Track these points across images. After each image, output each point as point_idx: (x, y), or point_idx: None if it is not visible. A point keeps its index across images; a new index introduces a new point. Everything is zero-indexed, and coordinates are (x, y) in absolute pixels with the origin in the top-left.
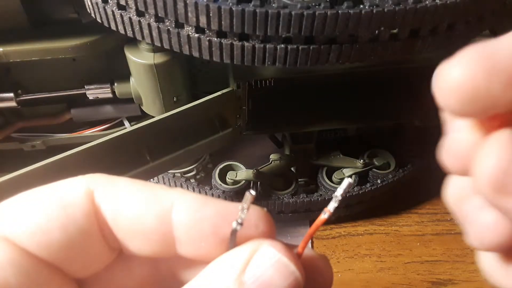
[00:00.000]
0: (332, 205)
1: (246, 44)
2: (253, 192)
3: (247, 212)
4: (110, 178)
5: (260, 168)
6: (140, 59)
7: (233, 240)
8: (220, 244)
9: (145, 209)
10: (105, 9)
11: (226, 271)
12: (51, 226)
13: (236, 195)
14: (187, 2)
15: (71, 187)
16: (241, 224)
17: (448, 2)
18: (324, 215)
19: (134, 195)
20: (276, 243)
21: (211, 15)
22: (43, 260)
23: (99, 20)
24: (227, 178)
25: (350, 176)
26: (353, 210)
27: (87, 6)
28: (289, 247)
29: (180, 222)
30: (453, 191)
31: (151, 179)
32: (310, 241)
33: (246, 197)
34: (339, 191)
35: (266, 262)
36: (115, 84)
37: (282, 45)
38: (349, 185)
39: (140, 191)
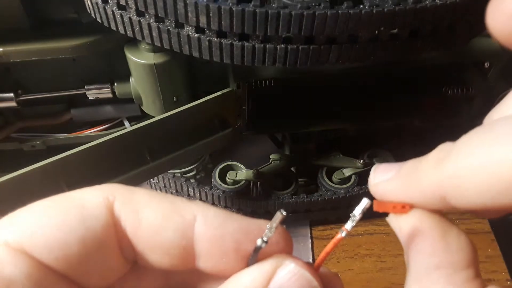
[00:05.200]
0: (349, 224)
1: (246, 44)
2: (284, 212)
3: (274, 231)
4: (128, 189)
5: (260, 168)
6: (140, 59)
7: (255, 256)
8: (241, 260)
9: (166, 222)
10: (105, 9)
11: (250, 284)
12: (70, 239)
13: (236, 195)
14: (187, 2)
15: (90, 198)
16: (266, 242)
17: (448, 2)
18: (341, 234)
19: (155, 208)
20: (297, 259)
21: (211, 15)
22: (60, 273)
23: (99, 20)
24: (227, 178)
25: (350, 176)
26: (353, 210)
27: (87, 6)
28: (308, 264)
29: (202, 236)
30: None
31: (152, 179)
32: (311, 242)
33: (276, 216)
34: (357, 211)
35: (290, 277)
36: (115, 84)
37: (282, 45)
38: (368, 204)
39: (160, 203)
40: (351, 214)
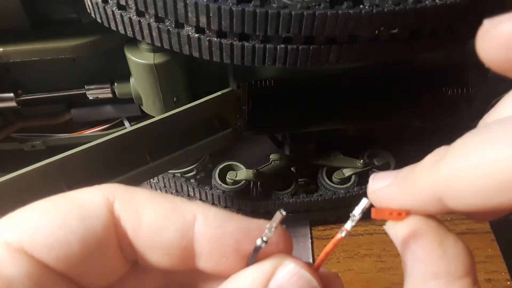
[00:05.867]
0: (349, 224)
1: (246, 44)
2: (283, 212)
3: (274, 231)
4: (128, 189)
5: (260, 168)
6: (140, 59)
7: (255, 256)
8: (241, 260)
9: (166, 222)
10: (105, 9)
11: (249, 284)
12: (70, 239)
13: (236, 195)
14: (187, 2)
15: (90, 197)
16: (266, 242)
17: (448, 2)
18: (341, 234)
19: (155, 208)
20: (297, 259)
21: (211, 15)
22: (60, 273)
23: (99, 20)
24: (227, 178)
25: (350, 176)
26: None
27: (87, 6)
28: (308, 264)
29: (202, 237)
30: None
31: (152, 179)
32: (311, 243)
33: (276, 216)
34: (357, 211)
35: (290, 277)
36: (115, 84)
37: (282, 45)
38: (367, 204)
39: (160, 203)
40: (351, 214)
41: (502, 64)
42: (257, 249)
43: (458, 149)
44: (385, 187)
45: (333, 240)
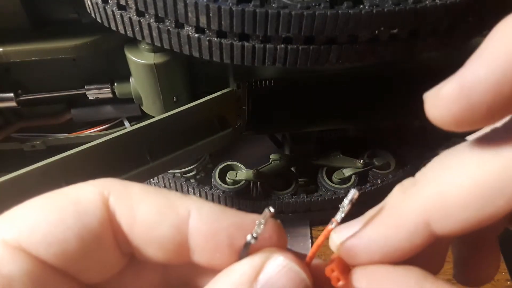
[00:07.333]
0: (339, 216)
1: (246, 44)
2: (272, 209)
3: (263, 228)
4: (123, 183)
5: (260, 168)
6: (140, 59)
7: (246, 251)
8: (235, 254)
9: (162, 217)
10: (105, 9)
11: (239, 278)
12: (68, 235)
13: (236, 195)
14: (187, 2)
15: (86, 193)
16: (255, 238)
17: (448, 2)
18: (331, 225)
19: (150, 203)
20: (287, 252)
21: (211, 15)
22: (59, 270)
23: (99, 20)
24: (227, 178)
25: (350, 176)
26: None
27: (87, 6)
28: (299, 256)
29: (196, 232)
30: None
31: (152, 179)
32: (311, 243)
33: (265, 213)
34: (346, 202)
35: (278, 270)
36: (115, 84)
37: (282, 45)
38: (356, 194)
39: (155, 198)
40: (340, 206)
41: (450, 121)
42: (247, 244)
43: (436, 169)
44: (355, 234)
45: (324, 232)
